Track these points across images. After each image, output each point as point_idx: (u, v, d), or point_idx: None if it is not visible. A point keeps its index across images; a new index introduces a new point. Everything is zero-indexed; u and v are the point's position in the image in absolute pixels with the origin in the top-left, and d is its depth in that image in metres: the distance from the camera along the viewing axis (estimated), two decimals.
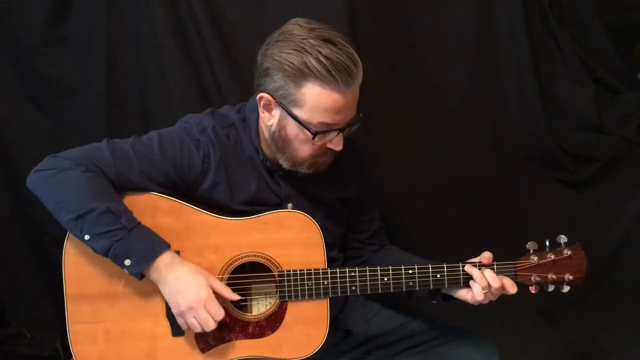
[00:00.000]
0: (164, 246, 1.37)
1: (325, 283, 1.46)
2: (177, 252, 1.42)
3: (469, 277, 1.46)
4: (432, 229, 2.29)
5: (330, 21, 1.41)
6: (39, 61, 2.07)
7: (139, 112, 2.14)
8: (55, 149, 2.05)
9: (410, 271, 1.47)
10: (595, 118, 2.34)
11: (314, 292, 1.46)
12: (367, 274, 1.47)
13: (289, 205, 1.53)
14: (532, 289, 1.49)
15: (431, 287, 1.48)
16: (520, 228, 2.27)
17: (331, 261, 1.54)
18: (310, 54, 1.31)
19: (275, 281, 1.46)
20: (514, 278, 1.48)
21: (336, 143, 1.42)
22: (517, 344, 2.14)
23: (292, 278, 1.45)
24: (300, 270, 1.45)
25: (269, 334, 1.46)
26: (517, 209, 2.35)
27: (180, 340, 1.44)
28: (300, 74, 1.33)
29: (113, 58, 2.08)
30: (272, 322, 1.47)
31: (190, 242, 1.43)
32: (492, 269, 1.46)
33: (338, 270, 1.46)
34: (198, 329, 1.38)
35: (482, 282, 1.43)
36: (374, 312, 1.72)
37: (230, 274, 1.45)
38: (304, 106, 1.36)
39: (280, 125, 1.42)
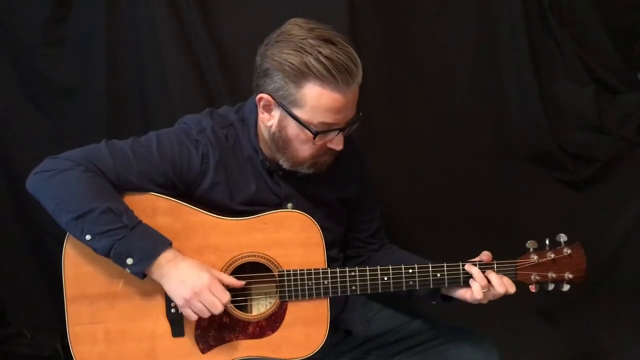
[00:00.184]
0: (166, 244, 1.37)
1: (326, 283, 1.46)
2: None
3: (469, 277, 1.46)
4: (432, 229, 2.30)
5: (330, 21, 1.41)
6: (39, 61, 2.07)
7: (139, 112, 2.14)
8: (55, 149, 2.05)
9: (410, 270, 1.47)
10: (595, 118, 2.35)
11: (314, 292, 1.46)
12: (367, 273, 1.47)
13: (289, 205, 1.53)
14: (532, 288, 1.49)
15: (431, 286, 1.48)
16: (520, 228, 2.27)
17: (331, 261, 1.54)
18: (310, 54, 1.31)
19: (275, 281, 1.46)
20: (514, 277, 1.48)
21: (337, 143, 1.42)
22: (517, 344, 2.15)
23: (292, 278, 1.45)
24: (300, 270, 1.45)
25: (269, 334, 1.46)
26: (517, 209, 2.36)
27: (180, 340, 1.44)
28: (301, 74, 1.33)
29: (113, 58, 2.08)
30: (272, 322, 1.47)
31: (189, 242, 1.42)
32: (492, 268, 1.46)
33: (338, 270, 1.46)
34: (206, 314, 1.37)
35: (482, 281, 1.44)
36: (374, 312, 1.72)
37: (230, 274, 1.45)
38: (304, 106, 1.36)
39: (281, 126, 1.42)
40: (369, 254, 1.71)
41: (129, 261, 1.34)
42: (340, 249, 1.67)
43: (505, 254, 1.50)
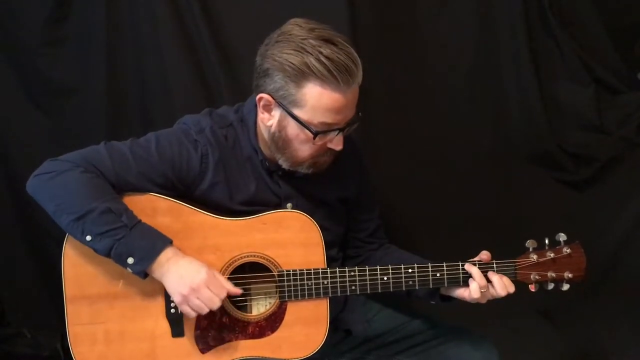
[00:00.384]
0: (166, 242, 1.37)
1: (325, 283, 1.46)
2: None
3: (468, 277, 1.46)
4: (432, 229, 2.30)
5: (330, 21, 1.41)
6: (39, 61, 2.07)
7: (139, 112, 2.14)
8: (55, 148, 2.05)
9: (410, 270, 1.47)
10: (595, 118, 2.35)
11: (313, 291, 1.46)
12: (367, 273, 1.47)
13: (289, 205, 1.53)
14: (532, 288, 1.50)
15: (431, 285, 1.48)
16: (520, 228, 2.26)
17: (331, 260, 1.54)
18: (311, 54, 1.31)
19: (275, 281, 1.46)
20: (514, 277, 1.48)
21: (336, 143, 1.42)
22: (517, 343, 2.15)
23: (291, 278, 1.45)
24: (300, 270, 1.45)
25: (268, 334, 1.46)
26: (517, 209, 2.36)
27: (180, 340, 1.44)
28: (301, 74, 1.33)
29: (113, 58, 2.08)
30: (272, 322, 1.47)
31: (189, 242, 1.42)
32: (492, 267, 1.47)
33: (338, 270, 1.46)
34: (204, 310, 1.36)
35: (481, 281, 1.44)
36: (374, 312, 1.72)
37: (230, 275, 1.45)
38: (304, 106, 1.36)
39: (281, 126, 1.42)
40: (368, 254, 1.71)
41: (130, 261, 1.34)
42: (339, 249, 1.67)
43: (505, 254, 1.50)
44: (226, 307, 1.44)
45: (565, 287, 1.50)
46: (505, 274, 1.47)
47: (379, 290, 1.48)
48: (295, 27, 1.36)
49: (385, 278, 1.47)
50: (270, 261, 1.46)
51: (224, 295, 1.37)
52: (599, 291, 2.33)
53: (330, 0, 2.04)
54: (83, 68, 2.10)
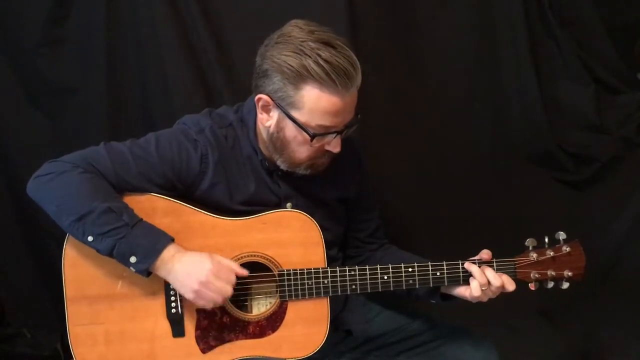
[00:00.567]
0: (168, 239, 1.37)
1: (325, 282, 1.46)
2: None
3: (468, 275, 1.46)
4: (432, 229, 2.29)
5: (330, 21, 1.41)
6: (39, 61, 2.07)
7: (139, 112, 2.13)
8: (55, 148, 2.07)
9: (410, 269, 1.47)
10: (595, 118, 2.34)
11: (314, 291, 1.46)
12: (367, 272, 1.47)
13: (288, 205, 1.53)
14: (532, 286, 1.50)
15: (431, 284, 1.48)
16: (520, 228, 2.26)
17: (331, 260, 1.54)
18: (310, 56, 1.31)
19: (275, 281, 1.46)
20: (514, 275, 1.48)
21: (334, 145, 1.42)
22: (517, 343, 2.15)
23: (292, 277, 1.45)
24: (300, 270, 1.45)
25: (269, 334, 1.47)
26: (517, 208, 2.35)
27: (180, 340, 1.44)
28: (299, 77, 1.33)
29: (113, 58, 2.08)
30: (273, 321, 1.47)
31: (189, 242, 1.42)
32: (492, 266, 1.47)
33: (338, 269, 1.47)
34: (219, 300, 1.37)
35: (481, 279, 1.44)
36: (375, 313, 1.72)
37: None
38: (302, 109, 1.36)
39: (279, 127, 1.42)
40: (368, 254, 1.71)
41: (133, 259, 1.34)
42: (339, 249, 1.67)
43: (505, 254, 1.50)
44: (227, 307, 1.44)
45: (565, 285, 1.50)
46: (505, 273, 1.47)
47: (380, 290, 1.48)
48: (295, 29, 1.36)
49: (386, 277, 1.47)
50: (270, 261, 1.46)
51: (233, 279, 1.38)
52: (599, 291, 2.33)
53: (330, 1, 2.04)
54: (83, 68, 2.09)
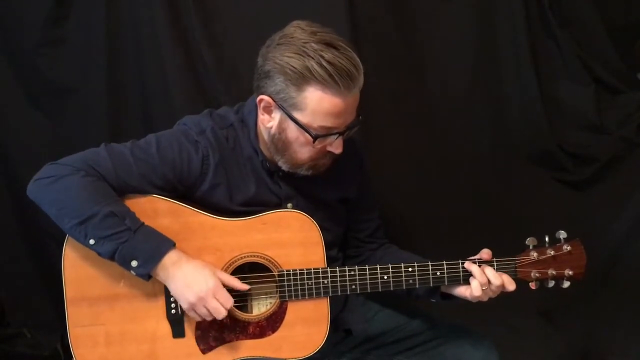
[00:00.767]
0: (170, 244, 1.38)
1: (325, 282, 1.46)
2: None
3: (468, 275, 1.46)
4: (432, 229, 2.29)
5: (330, 23, 1.41)
6: (39, 61, 2.07)
7: (139, 112, 2.14)
8: (55, 149, 2.07)
9: (410, 269, 1.47)
10: (595, 118, 2.34)
11: (314, 291, 1.46)
12: (367, 272, 1.47)
13: (289, 205, 1.53)
14: (532, 285, 1.50)
15: (431, 284, 1.48)
16: (520, 228, 2.23)
17: (331, 261, 1.54)
18: (312, 58, 1.31)
19: (275, 281, 1.46)
20: (514, 275, 1.48)
21: (336, 146, 1.42)
22: (517, 343, 2.14)
23: (292, 278, 1.45)
24: (300, 270, 1.45)
25: (269, 334, 1.47)
26: (517, 208, 2.35)
27: (181, 341, 1.44)
28: (302, 78, 1.33)
29: (113, 58, 2.07)
30: (273, 322, 1.47)
31: (189, 243, 1.42)
32: (492, 265, 1.47)
33: (338, 269, 1.47)
34: (209, 318, 1.39)
35: (481, 278, 1.44)
36: (374, 312, 1.72)
37: (230, 275, 1.45)
38: (305, 110, 1.36)
39: (280, 128, 1.41)
40: (368, 254, 1.71)
41: (134, 264, 1.34)
42: (339, 249, 1.67)
43: (506, 254, 1.50)
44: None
45: (566, 284, 1.50)
46: (505, 272, 1.47)
47: (380, 289, 1.48)
48: (298, 30, 1.35)
49: (386, 277, 1.47)
50: (270, 261, 1.46)
51: (230, 304, 1.39)
52: (599, 291, 2.33)
53: (330, 2, 2.04)
54: (83, 68, 2.09)
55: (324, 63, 1.30)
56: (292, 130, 1.40)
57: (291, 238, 1.46)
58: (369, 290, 1.48)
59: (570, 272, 1.49)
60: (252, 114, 1.50)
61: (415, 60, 2.22)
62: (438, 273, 1.47)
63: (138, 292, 1.43)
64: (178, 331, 1.44)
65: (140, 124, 2.13)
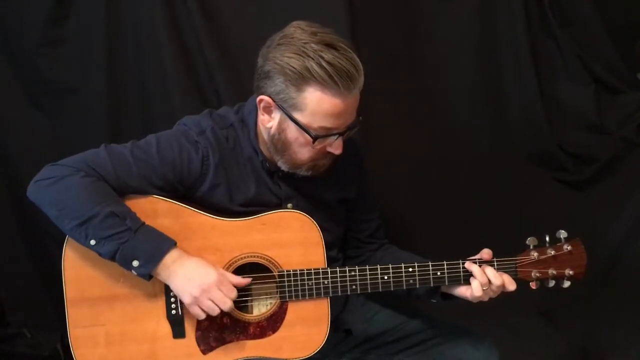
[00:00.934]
0: (171, 243, 1.38)
1: (326, 282, 1.46)
2: None
3: (469, 275, 1.46)
4: (432, 229, 2.29)
5: (330, 23, 1.41)
6: (39, 61, 2.06)
7: (139, 112, 2.13)
8: (56, 149, 2.07)
9: (411, 269, 1.47)
10: (595, 118, 2.35)
11: (314, 291, 1.46)
12: (367, 272, 1.47)
13: (289, 206, 1.52)
14: (533, 285, 1.50)
15: (431, 284, 1.48)
16: (520, 228, 2.23)
17: (331, 261, 1.54)
18: (312, 58, 1.31)
19: (275, 281, 1.46)
20: (515, 275, 1.48)
21: (336, 147, 1.42)
22: (517, 343, 2.14)
23: (292, 278, 1.45)
24: (300, 270, 1.45)
25: (270, 334, 1.47)
26: (517, 208, 2.35)
27: (181, 342, 1.44)
28: (302, 79, 1.33)
29: (113, 58, 2.07)
30: (273, 322, 1.47)
31: (189, 243, 1.42)
32: (493, 265, 1.47)
33: (338, 269, 1.47)
34: (215, 311, 1.37)
35: (482, 278, 1.44)
36: (374, 312, 1.72)
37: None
38: (304, 110, 1.36)
39: (280, 128, 1.41)
40: (368, 254, 1.71)
41: (135, 264, 1.34)
42: (339, 249, 1.67)
43: (506, 254, 1.50)
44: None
45: (566, 284, 1.50)
46: (506, 272, 1.47)
47: (380, 290, 1.48)
48: (298, 30, 1.35)
49: (386, 277, 1.47)
50: (270, 261, 1.46)
51: (234, 295, 1.38)
52: (599, 291, 2.33)
53: (330, 2, 2.04)
54: (83, 68, 2.09)
55: (324, 64, 1.30)
56: (292, 131, 1.40)
57: (291, 238, 1.46)
58: (369, 291, 1.48)
59: (571, 272, 1.49)
60: (252, 114, 1.50)
61: (415, 61, 2.22)
62: (438, 273, 1.47)
63: (138, 292, 1.43)
64: (178, 331, 1.44)
65: (140, 124, 2.13)
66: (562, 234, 1.49)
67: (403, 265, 1.47)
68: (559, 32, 2.27)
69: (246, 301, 1.49)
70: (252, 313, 1.49)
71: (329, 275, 1.46)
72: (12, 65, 2.09)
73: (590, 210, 2.38)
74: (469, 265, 1.46)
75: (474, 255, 1.50)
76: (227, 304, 1.37)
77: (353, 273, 1.47)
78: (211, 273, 1.37)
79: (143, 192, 1.42)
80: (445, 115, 2.27)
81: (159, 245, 1.36)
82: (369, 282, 1.47)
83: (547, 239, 1.49)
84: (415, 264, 1.47)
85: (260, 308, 1.49)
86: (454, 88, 2.27)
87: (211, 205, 1.48)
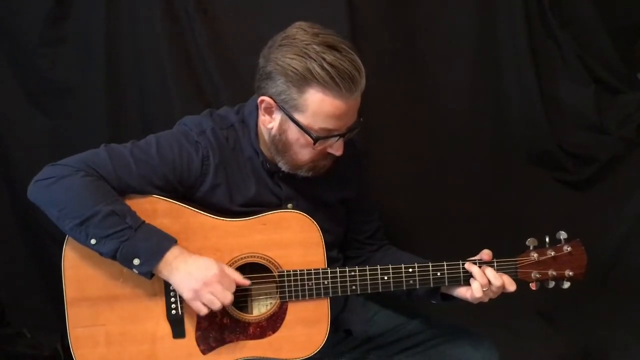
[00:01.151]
0: (172, 241, 1.38)
1: (326, 283, 1.46)
2: None
3: (469, 275, 1.46)
4: (432, 229, 2.29)
5: (330, 23, 1.41)
6: (39, 61, 2.06)
7: (139, 112, 2.13)
8: (55, 149, 2.07)
9: (411, 270, 1.47)
10: (595, 118, 2.34)
11: (314, 292, 1.46)
12: (367, 273, 1.47)
13: (289, 206, 1.52)
14: (533, 286, 1.50)
15: (431, 285, 1.48)
16: (520, 228, 2.25)
17: (332, 261, 1.54)
18: (314, 60, 1.31)
19: (275, 281, 1.46)
20: (515, 275, 1.48)
21: (337, 148, 1.42)
22: (517, 343, 2.14)
23: (292, 278, 1.45)
24: (300, 271, 1.45)
25: (270, 335, 1.47)
26: (517, 208, 2.35)
27: (181, 342, 1.44)
28: (303, 80, 1.33)
29: (113, 58, 2.07)
30: (273, 322, 1.47)
31: (189, 243, 1.42)
32: (493, 266, 1.47)
33: (338, 269, 1.47)
34: (217, 305, 1.37)
35: (482, 279, 1.44)
36: (373, 312, 1.72)
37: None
38: (305, 112, 1.36)
39: (281, 129, 1.41)
40: (368, 255, 1.71)
41: (136, 262, 1.34)
42: (340, 250, 1.67)
43: (506, 254, 1.50)
44: (227, 308, 1.44)
45: (566, 285, 1.51)
46: (506, 273, 1.47)
47: (380, 290, 1.48)
48: (300, 31, 1.35)
49: (386, 277, 1.47)
50: (270, 262, 1.46)
51: (234, 288, 1.38)
52: (599, 291, 2.33)
53: (330, 2, 2.04)
54: (83, 68, 2.09)
55: (326, 65, 1.30)
56: (293, 132, 1.40)
57: (291, 238, 1.46)
58: (369, 291, 1.48)
59: (571, 273, 1.49)
60: (253, 114, 1.50)
61: (416, 61, 2.22)
62: (438, 274, 1.47)
63: (138, 292, 1.43)
64: (178, 332, 1.44)
65: (140, 123, 2.13)
66: (562, 234, 1.49)
67: (403, 265, 1.47)
68: (559, 32, 2.27)
69: (246, 301, 1.49)
70: (252, 313, 1.49)
71: (329, 276, 1.46)
72: (12, 65, 2.09)
73: (590, 210, 2.38)
74: (468, 266, 1.46)
75: (474, 255, 1.50)
76: (227, 298, 1.37)
77: (353, 273, 1.47)
78: (212, 267, 1.37)
79: (143, 192, 1.42)
80: (445, 116, 2.27)
81: (160, 242, 1.36)
82: (368, 282, 1.47)
83: (547, 239, 1.49)
84: (415, 265, 1.47)
85: (260, 308, 1.49)
86: (454, 88, 2.27)
87: (211, 206, 1.48)
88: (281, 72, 1.34)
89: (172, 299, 1.43)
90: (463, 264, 1.47)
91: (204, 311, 1.38)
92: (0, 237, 2.18)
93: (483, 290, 1.44)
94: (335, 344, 1.65)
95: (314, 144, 1.38)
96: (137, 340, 1.43)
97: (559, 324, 2.29)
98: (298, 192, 1.54)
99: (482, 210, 2.32)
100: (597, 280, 2.32)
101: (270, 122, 1.43)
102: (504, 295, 1.48)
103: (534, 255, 1.49)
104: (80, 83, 2.10)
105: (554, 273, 1.49)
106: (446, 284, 1.48)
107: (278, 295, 1.46)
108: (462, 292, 1.49)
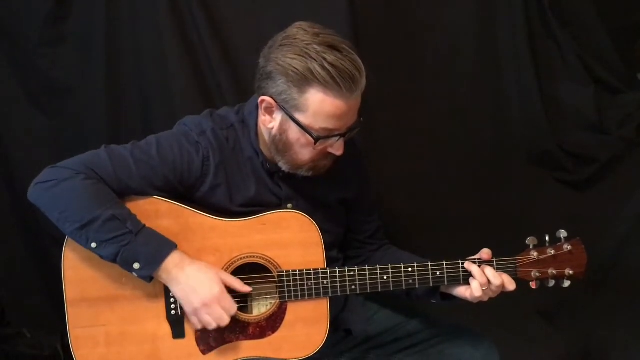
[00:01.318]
0: (172, 246, 1.38)
1: (325, 283, 1.46)
2: None
3: (468, 275, 1.46)
4: (432, 229, 2.29)
5: (331, 23, 1.41)
6: (39, 61, 2.06)
7: (139, 112, 2.13)
8: (55, 149, 2.07)
9: (410, 269, 1.47)
10: (595, 118, 2.34)
11: (313, 292, 1.46)
12: (367, 273, 1.47)
13: (289, 206, 1.52)
14: (533, 285, 1.50)
15: (431, 284, 1.48)
16: (520, 228, 2.23)
17: (331, 261, 1.54)
18: (315, 60, 1.31)
19: (275, 282, 1.46)
20: (514, 275, 1.48)
21: (337, 148, 1.42)
22: (517, 343, 2.14)
23: (291, 278, 1.45)
24: (299, 271, 1.45)
25: (269, 335, 1.47)
26: (517, 208, 2.35)
27: (181, 342, 1.44)
28: (304, 80, 1.33)
29: (113, 58, 2.07)
30: (273, 322, 1.47)
31: (189, 243, 1.42)
32: (492, 265, 1.47)
33: (337, 269, 1.47)
34: (212, 326, 1.38)
35: (481, 279, 1.44)
36: (373, 312, 1.72)
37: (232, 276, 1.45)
38: (306, 111, 1.36)
39: (282, 129, 1.41)
40: (368, 254, 1.71)
41: (136, 266, 1.35)
42: (339, 250, 1.67)
43: (506, 254, 1.50)
44: None
45: (566, 283, 1.50)
46: (506, 272, 1.47)
47: (379, 290, 1.48)
48: (300, 31, 1.35)
49: (385, 277, 1.47)
50: (269, 262, 1.46)
51: (234, 311, 1.39)
52: (599, 291, 2.33)
53: (330, 2, 2.04)
54: (83, 68, 2.09)
55: (326, 65, 1.30)
56: (294, 132, 1.40)
57: (291, 239, 1.46)
58: (368, 291, 1.48)
59: (571, 272, 1.49)
60: (253, 114, 1.50)
61: (416, 61, 2.22)
62: (438, 273, 1.47)
63: (138, 293, 1.43)
64: (178, 332, 1.44)
65: (140, 123, 2.13)
66: (562, 233, 1.49)
67: (402, 265, 1.47)
68: (559, 32, 2.27)
69: (246, 301, 1.49)
70: (251, 313, 1.49)
71: (329, 276, 1.46)
72: (12, 65, 2.09)
73: (590, 210, 2.38)
74: (468, 265, 1.46)
75: (473, 255, 1.50)
76: (224, 321, 1.38)
77: (352, 273, 1.47)
78: (214, 287, 1.37)
79: (144, 193, 1.42)
80: (445, 115, 2.27)
81: (160, 248, 1.36)
82: (368, 282, 1.47)
83: (547, 238, 1.49)
84: (415, 264, 1.47)
85: (260, 308, 1.49)
86: (453, 88, 2.27)
87: (211, 206, 1.48)
88: (282, 72, 1.34)
89: (172, 300, 1.43)
90: (462, 263, 1.47)
91: (199, 327, 1.41)
92: (0, 237, 2.18)
93: (482, 290, 1.44)
94: (335, 344, 1.65)
95: (315, 143, 1.38)
96: (137, 341, 1.43)
97: (559, 324, 2.29)
98: (298, 192, 1.54)
99: (482, 210, 2.32)
100: (597, 280, 2.32)
101: (270, 122, 1.43)
102: (503, 294, 1.48)
103: (534, 254, 1.48)
104: (80, 83, 2.10)
105: (554, 272, 1.49)
106: (446, 283, 1.48)
107: (278, 295, 1.46)
108: (461, 291, 1.49)
